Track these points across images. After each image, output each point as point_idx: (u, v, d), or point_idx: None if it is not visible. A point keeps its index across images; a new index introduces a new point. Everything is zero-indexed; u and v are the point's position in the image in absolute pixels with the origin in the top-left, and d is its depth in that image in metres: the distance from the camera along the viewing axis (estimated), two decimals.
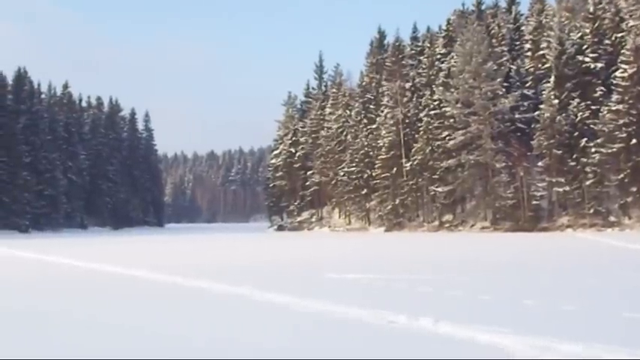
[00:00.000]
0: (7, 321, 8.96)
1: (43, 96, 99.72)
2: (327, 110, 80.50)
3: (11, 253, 30.17)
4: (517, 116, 53.15)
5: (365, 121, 70.74)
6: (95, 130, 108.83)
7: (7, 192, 78.59)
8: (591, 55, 48.70)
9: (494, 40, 57.45)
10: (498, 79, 53.62)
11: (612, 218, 45.71)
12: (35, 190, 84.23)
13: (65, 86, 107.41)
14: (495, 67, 54.03)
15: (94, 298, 11.53)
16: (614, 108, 45.26)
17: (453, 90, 55.69)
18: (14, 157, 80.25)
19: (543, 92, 50.27)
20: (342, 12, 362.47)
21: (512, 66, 55.94)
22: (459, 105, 54.86)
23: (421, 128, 59.84)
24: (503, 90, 53.51)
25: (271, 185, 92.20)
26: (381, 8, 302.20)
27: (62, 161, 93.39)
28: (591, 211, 46.21)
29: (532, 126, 50.91)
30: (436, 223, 59.28)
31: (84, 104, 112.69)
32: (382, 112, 67.43)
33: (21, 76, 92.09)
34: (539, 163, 49.68)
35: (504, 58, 56.02)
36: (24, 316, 9.33)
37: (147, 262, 21.08)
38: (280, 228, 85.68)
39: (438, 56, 63.02)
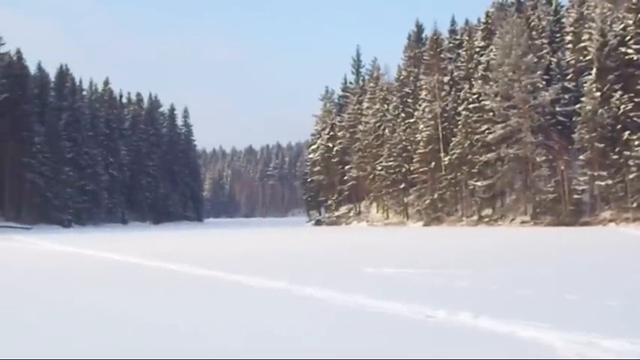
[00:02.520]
0: (52, 315, 9.09)
1: (84, 93, 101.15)
2: (365, 104, 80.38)
3: (54, 247, 30.66)
4: (558, 109, 52.51)
5: (403, 115, 70.47)
6: (135, 126, 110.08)
7: (50, 187, 79.93)
8: (634, 46, 47.70)
9: (534, 33, 56.71)
10: (538, 72, 53.00)
11: None
12: (77, 186, 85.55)
13: (106, 83, 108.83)
14: (535, 60, 53.40)
15: (132, 293, 11.64)
16: None
17: (492, 83, 55.18)
18: (57, 153, 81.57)
19: (585, 85, 49.48)
20: (379, 6, 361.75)
21: (552, 58, 55.21)
22: (498, 98, 54.37)
23: (460, 122, 59.43)
24: (544, 83, 52.89)
25: (309, 180, 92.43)
26: (419, 1, 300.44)
27: (103, 157, 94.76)
28: (634, 204, 45.35)
29: (573, 119, 50.22)
30: (475, 217, 58.81)
31: (124, 100, 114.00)
32: (420, 106, 67.09)
33: (63, 73, 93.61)
34: (581, 157, 48.96)
35: (544, 51, 55.33)
36: (61, 311, 9.46)
37: (187, 256, 21.24)
38: (318, 222, 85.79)
39: (477, 49, 62.49)
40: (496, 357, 6.00)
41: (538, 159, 51.83)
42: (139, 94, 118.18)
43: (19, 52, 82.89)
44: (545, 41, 56.70)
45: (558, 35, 58.02)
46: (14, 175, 76.42)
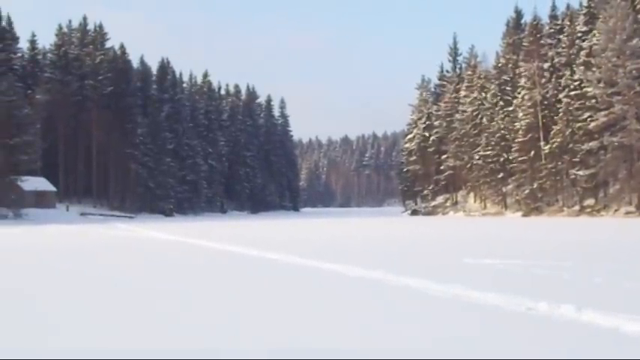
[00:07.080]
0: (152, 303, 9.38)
1: (184, 85, 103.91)
2: (462, 93, 79.48)
3: (160, 236, 31.69)
4: None
5: (501, 103, 69.35)
6: (233, 117, 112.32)
7: (152, 177, 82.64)
8: None
9: (639, 16, 54.59)
10: None
11: None
12: (178, 176, 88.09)
13: (205, 75, 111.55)
14: None
15: (229, 284, 11.91)
16: None
17: (595, 69, 53.58)
18: (158, 144, 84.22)
19: None
20: None
21: None
22: (601, 85, 52.76)
23: (560, 110, 58.06)
24: None
25: (405, 170, 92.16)
26: None
27: (203, 147, 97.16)
28: None
29: None
30: (576, 207, 57.25)
31: (222, 92, 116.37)
32: (519, 93, 65.84)
33: (164, 67, 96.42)
34: None
35: None
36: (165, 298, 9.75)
37: (284, 245, 21.54)
38: (414, 212, 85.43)
39: (579, 34, 60.80)
40: (598, 352, 5.86)
41: None
42: (237, 86, 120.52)
43: (122, 46, 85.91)
44: None
45: None
46: (118, 166, 79.37)
